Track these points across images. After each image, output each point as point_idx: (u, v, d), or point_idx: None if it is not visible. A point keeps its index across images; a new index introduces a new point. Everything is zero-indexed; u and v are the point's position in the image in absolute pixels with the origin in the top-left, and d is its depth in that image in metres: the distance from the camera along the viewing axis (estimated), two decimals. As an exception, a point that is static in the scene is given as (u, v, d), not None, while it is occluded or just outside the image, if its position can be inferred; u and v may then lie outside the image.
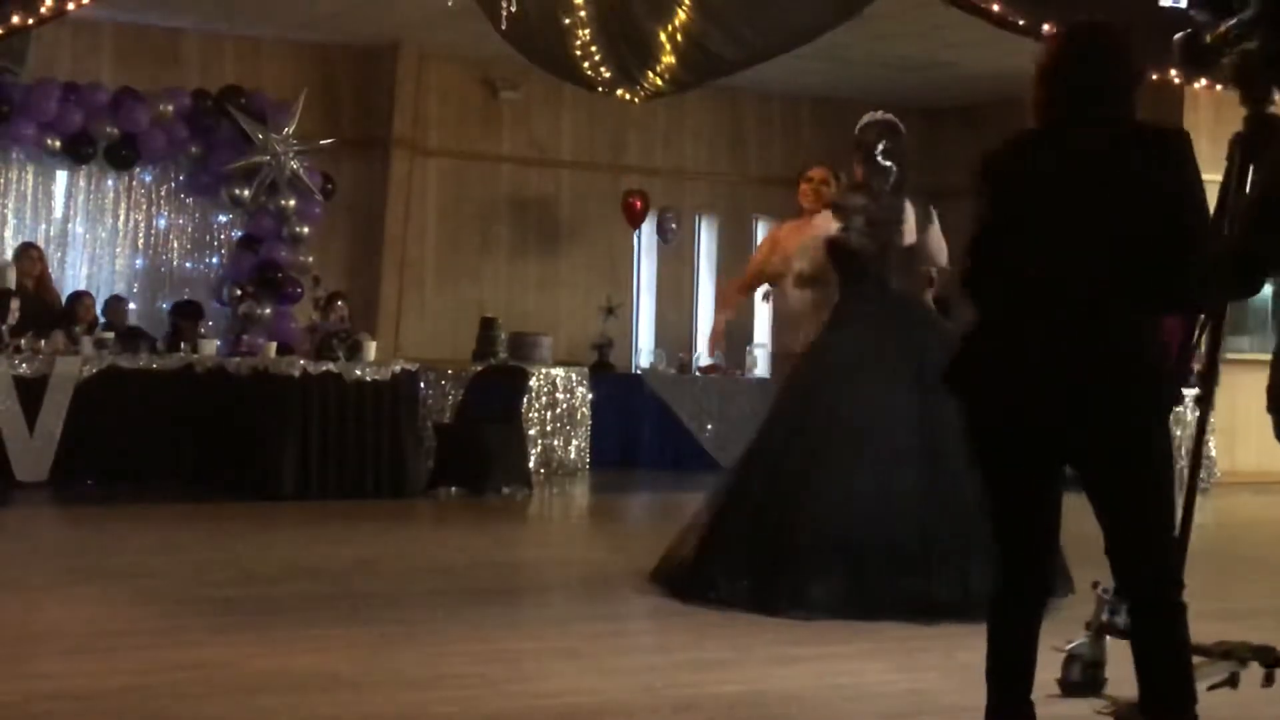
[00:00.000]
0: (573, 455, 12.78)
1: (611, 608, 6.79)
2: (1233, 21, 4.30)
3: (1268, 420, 4.22)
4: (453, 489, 11.05)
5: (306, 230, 13.20)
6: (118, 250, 13.18)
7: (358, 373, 10.59)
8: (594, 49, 9.92)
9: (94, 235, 13.12)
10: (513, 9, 9.45)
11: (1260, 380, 4.30)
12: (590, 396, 12.99)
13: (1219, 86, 9.62)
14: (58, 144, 12.42)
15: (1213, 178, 3.95)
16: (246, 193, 12.91)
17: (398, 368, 10.87)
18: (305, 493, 10.23)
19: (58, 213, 13.00)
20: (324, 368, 10.51)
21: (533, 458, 12.14)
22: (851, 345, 6.78)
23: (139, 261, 13.27)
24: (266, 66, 13.72)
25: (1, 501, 9.84)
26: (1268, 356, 4.34)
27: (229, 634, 5.67)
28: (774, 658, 5.47)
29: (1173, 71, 8.68)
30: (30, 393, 10.58)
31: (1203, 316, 4.30)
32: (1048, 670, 4.03)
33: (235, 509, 9.88)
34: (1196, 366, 4.64)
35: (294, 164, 12.96)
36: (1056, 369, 3.55)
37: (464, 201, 14.59)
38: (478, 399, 11.62)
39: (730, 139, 15.69)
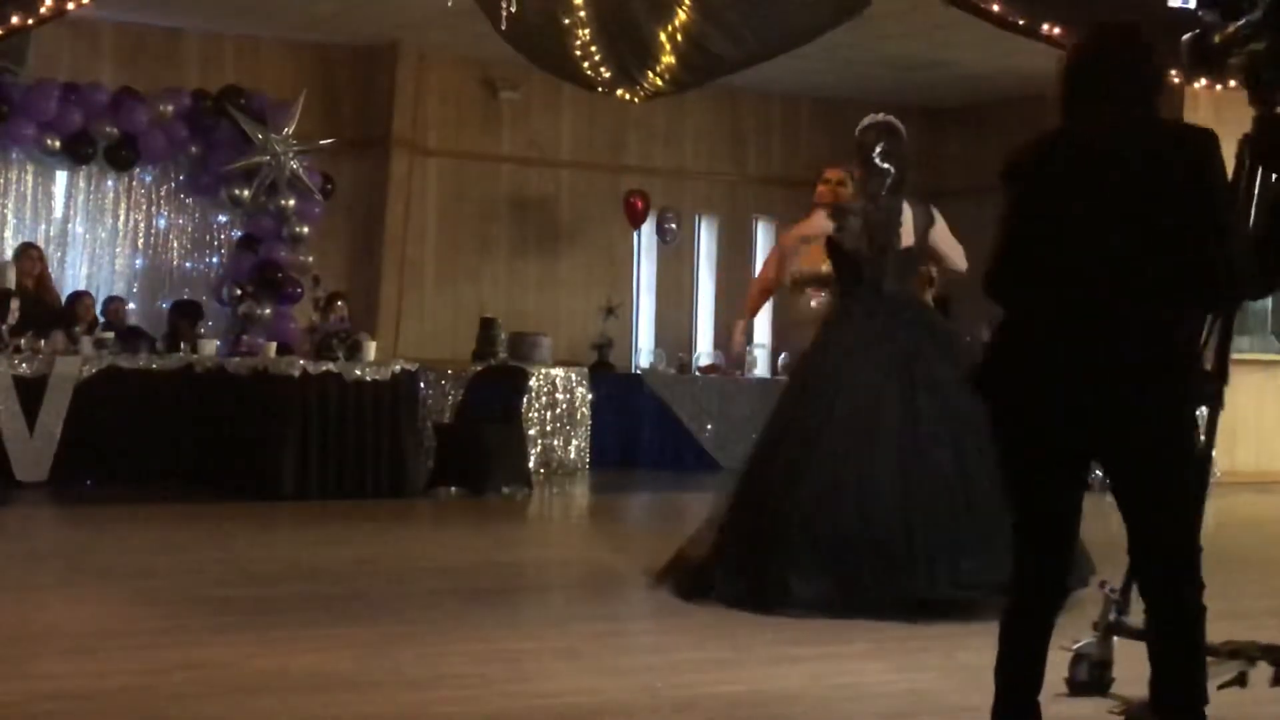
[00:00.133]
0: (572, 455, 12.78)
1: (611, 608, 6.80)
2: (1241, 22, 4.30)
3: (1268, 420, 4.21)
4: (453, 489, 11.05)
5: (306, 230, 13.20)
6: (117, 250, 13.19)
7: (357, 373, 10.58)
8: (594, 49, 9.92)
9: (94, 235, 13.12)
10: (513, 9, 9.45)
11: (1261, 380, 4.29)
12: (590, 396, 12.99)
13: (1219, 86, 9.63)
14: (57, 144, 12.42)
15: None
16: (246, 193, 12.91)
17: (397, 368, 10.86)
18: (305, 493, 10.22)
19: (57, 213, 13.00)
20: (324, 368, 10.50)
21: (533, 458, 12.14)
22: (843, 346, 6.79)
23: (139, 261, 13.27)
24: (266, 66, 13.72)
25: (1, 501, 9.83)
26: (1268, 356, 4.35)
27: (229, 634, 5.66)
28: (774, 658, 5.46)
29: (1173, 71, 8.68)
30: (30, 393, 10.58)
31: (1210, 316, 4.30)
32: (1055, 670, 4.02)
33: (235, 509, 9.87)
34: (1206, 366, 4.64)
35: (294, 164, 12.96)
36: (1087, 369, 3.54)
37: (464, 201, 14.58)
38: (477, 399, 11.62)
39: (730, 139, 15.68)
